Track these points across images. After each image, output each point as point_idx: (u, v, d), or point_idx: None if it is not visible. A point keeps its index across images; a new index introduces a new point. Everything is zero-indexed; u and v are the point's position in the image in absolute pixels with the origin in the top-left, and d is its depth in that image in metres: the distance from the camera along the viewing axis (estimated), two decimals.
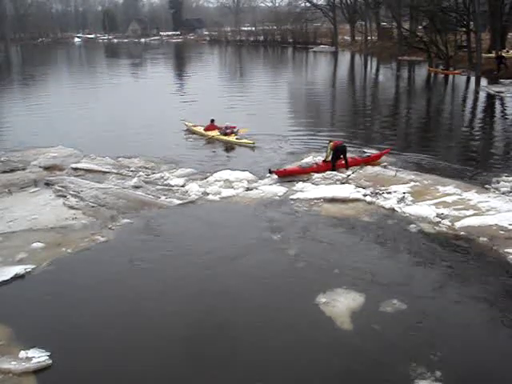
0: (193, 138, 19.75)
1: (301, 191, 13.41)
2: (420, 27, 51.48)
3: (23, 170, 15.75)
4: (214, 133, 19.32)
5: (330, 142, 15.31)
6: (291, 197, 13.07)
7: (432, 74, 39.96)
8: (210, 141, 19.16)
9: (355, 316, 7.90)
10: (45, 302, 8.66)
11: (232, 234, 11.20)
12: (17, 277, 9.25)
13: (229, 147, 18.35)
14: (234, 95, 31.39)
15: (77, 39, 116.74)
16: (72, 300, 8.66)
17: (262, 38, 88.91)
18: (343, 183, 13.97)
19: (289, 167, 15.21)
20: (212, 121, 19.89)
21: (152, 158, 16.77)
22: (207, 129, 19.71)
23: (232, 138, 18.62)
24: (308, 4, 77.52)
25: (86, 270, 9.65)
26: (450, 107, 28.95)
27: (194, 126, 20.42)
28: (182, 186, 13.90)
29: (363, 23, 65.79)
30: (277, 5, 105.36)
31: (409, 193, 12.87)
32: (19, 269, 9.43)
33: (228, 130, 18.84)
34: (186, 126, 20.81)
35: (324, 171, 14.73)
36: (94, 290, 8.97)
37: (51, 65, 62.53)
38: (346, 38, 73.95)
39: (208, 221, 11.93)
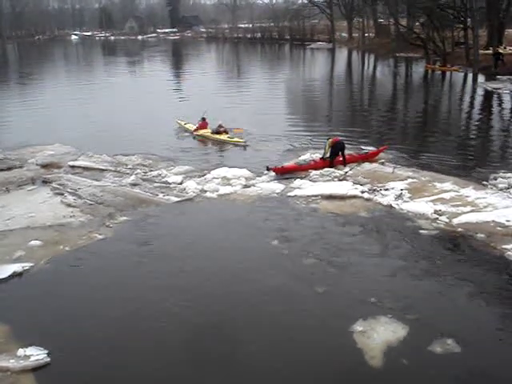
0: (190, 136, 19.69)
1: (298, 188, 13.40)
2: (417, 24, 51.35)
3: (20, 167, 15.73)
4: (206, 131, 19.34)
5: (329, 138, 15.30)
6: (289, 194, 13.06)
7: (429, 71, 39.95)
8: (202, 138, 19.12)
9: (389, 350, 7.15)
10: (43, 299, 8.65)
11: (231, 233, 11.17)
12: (15, 275, 9.25)
13: (225, 145, 18.30)
14: (231, 93, 31.35)
15: (74, 37, 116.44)
16: (70, 298, 8.65)
17: (259, 34, 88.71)
18: (341, 180, 13.96)
19: (286, 164, 15.20)
20: (203, 119, 19.88)
21: (149, 155, 16.75)
22: (200, 127, 19.72)
23: (224, 137, 18.60)
24: (305, 1, 77.58)
25: (83, 268, 9.63)
26: (448, 104, 28.94)
27: (186, 124, 20.46)
28: (180, 184, 13.89)
29: (360, 20, 65.69)
30: (274, 2, 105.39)
31: (406, 189, 12.88)
32: (17, 267, 9.42)
33: (221, 129, 18.82)
34: (179, 124, 20.83)
35: (321, 168, 14.73)
36: (91, 288, 8.96)
37: (48, 62, 62.35)
38: (343, 34, 73.83)
39: (206, 218, 11.93)
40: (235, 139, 18.27)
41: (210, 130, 19.24)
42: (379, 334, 7.38)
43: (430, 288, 8.66)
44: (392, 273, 9.15)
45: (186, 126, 20.41)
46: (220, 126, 18.93)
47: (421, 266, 9.35)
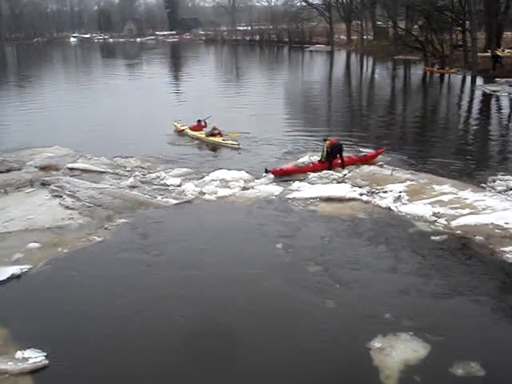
0: (188, 139, 19.69)
1: (297, 190, 13.41)
2: (416, 26, 51.49)
3: (19, 170, 15.70)
4: (200, 133, 19.36)
5: (326, 140, 15.26)
6: (287, 196, 13.06)
7: (428, 73, 40.02)
8: (199, 141, 19.13)
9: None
10: (41, 302, 8.64)
11: (230, 236, 11.15)
12: (13, 277, 9.24)
13: (222, 147, 18.28)
14: (230, 95, 31.39)
15: (72, 39, 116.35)
16: (68, 300, 8.64)
17: (257, 37, 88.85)
18: (339, 182, 13.97)
19: (285, 166, 15.20)
20: (198, 121, 19.89)
21: (148, 157, 16.75)
22: (193, 129, 19.74)
23: (218, 139, 18.61)
24: (304, 3, 77.56)
25: (82, 271, 9.62)
26: (446, 106, 28.99)
27: (182, 126, 20.49)
28: (179, 186, 13.89)
29: (359, 22, 65.80)
30: (273, 4, 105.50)
31: (405, 192, 12.88)
32: (15, 269, 9.42)
33: (216, 131, 18.82)
34: (175, 126, 20.85)
35: (320, 170, 14.74)
36: (90, 290, 8.95)
37: (47, 65, 62.33)
38: (341, 37, 74.04)
39: (205, 220, 11.92)
40: (229, 141, 18.30)
41: (204, 133, 19.25)
42: (398, 352, 7.05)
43: (445, 302, 8.28)
44: (399, 283, 8.88)
45: (182, 128, 20.41)
46: (214, 129, 18.93)
47: (428, 277, 8.98)
